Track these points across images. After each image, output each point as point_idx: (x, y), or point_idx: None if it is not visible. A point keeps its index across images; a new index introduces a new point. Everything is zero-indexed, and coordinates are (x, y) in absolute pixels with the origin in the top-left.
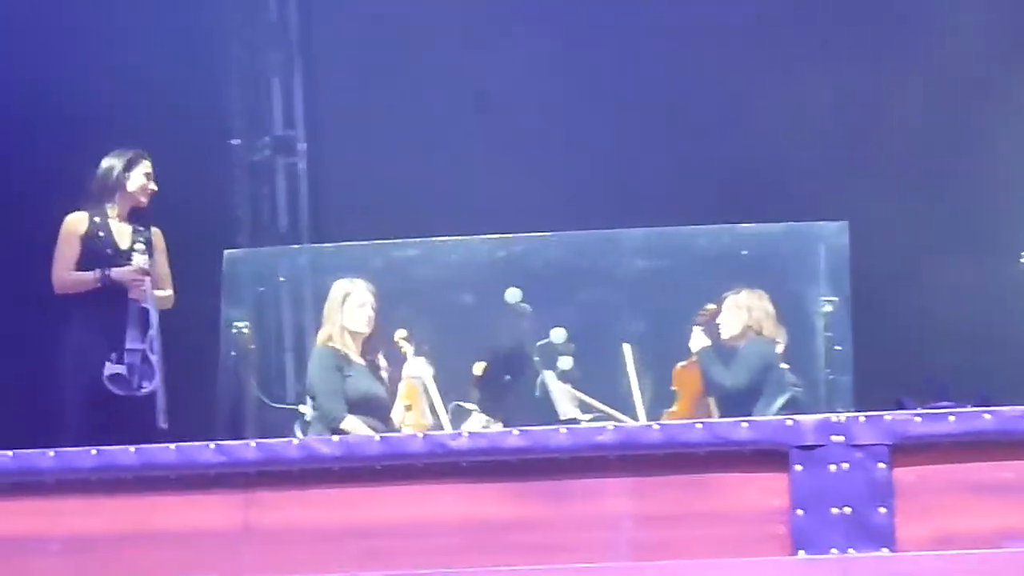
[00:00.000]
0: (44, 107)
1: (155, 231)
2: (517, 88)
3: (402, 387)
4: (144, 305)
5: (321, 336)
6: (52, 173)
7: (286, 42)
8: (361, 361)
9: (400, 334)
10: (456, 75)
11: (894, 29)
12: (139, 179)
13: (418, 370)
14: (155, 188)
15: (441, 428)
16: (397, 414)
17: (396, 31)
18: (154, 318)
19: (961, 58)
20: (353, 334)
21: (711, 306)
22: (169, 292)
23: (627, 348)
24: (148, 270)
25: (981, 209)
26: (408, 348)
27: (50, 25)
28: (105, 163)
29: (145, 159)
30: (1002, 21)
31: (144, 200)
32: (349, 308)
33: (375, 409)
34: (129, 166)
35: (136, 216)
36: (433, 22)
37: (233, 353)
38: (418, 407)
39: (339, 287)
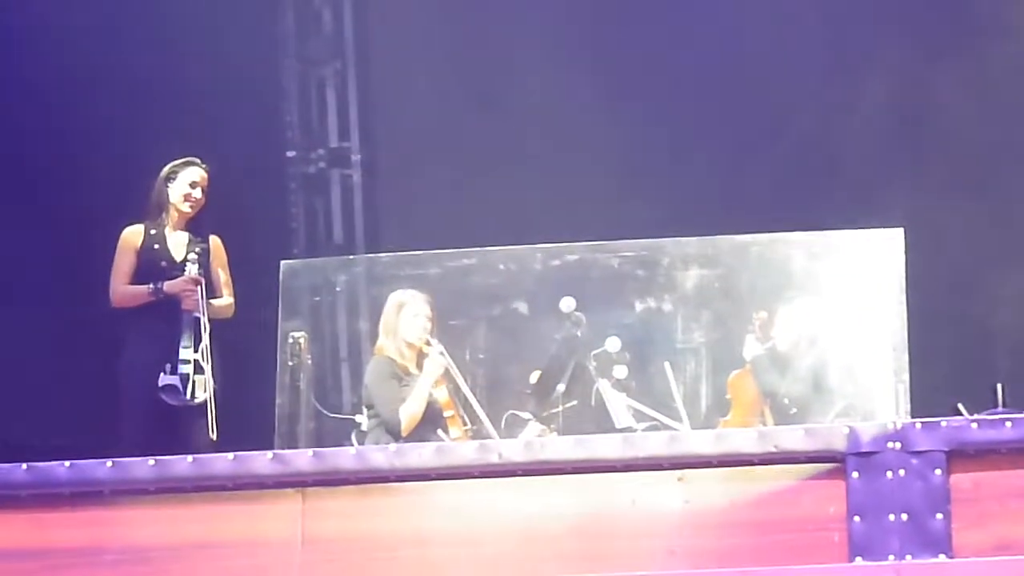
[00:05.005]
0: (106, 120)
1: (214, 239)
2: (571, 99)
3: (440, 396)
4: (196, 315)
5: (378, 347)
6: (115, 186)
7: (340, 55)
8: (419, 372)
9: (423, 338)
10: (511, 87)
11: (950, 30)
12: (181, 189)
13: (437, 364)
14: (199, 197)
15: (484, 432)
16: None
17: (450, 43)
18: (206, 328)
19: (1021, 60)
20: (409, 345)
21: (763, 314)
22: (230, 300)
23: (667, 365)
24: (200, 279)
25: None
26: (429, 349)
27: (113, 39)
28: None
29: (189, 167)
30: None
31: (188, 210)
32: (404, 319)
33: (434, 419)
34: (170, 177)
35: (195, 225)
36: (488, 35)
37: (290, 363)
38: (457, 414)
39: (394, 298)
